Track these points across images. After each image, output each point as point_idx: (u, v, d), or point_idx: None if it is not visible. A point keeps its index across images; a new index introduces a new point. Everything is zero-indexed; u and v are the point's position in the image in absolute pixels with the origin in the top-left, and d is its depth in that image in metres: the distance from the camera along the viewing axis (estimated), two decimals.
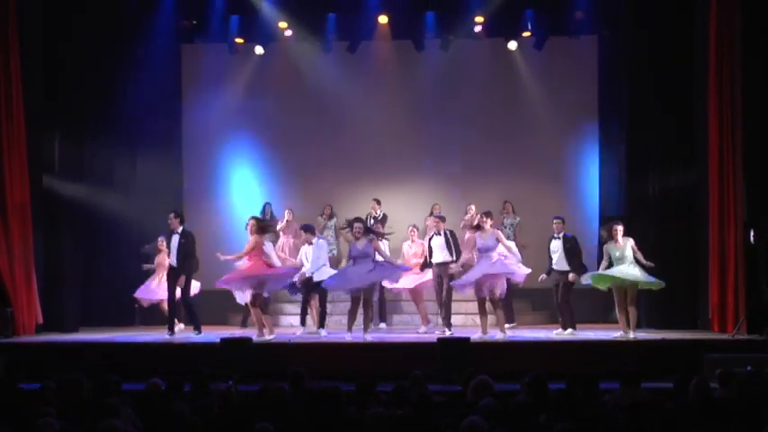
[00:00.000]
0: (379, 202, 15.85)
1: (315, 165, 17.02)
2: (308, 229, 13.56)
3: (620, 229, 12.46)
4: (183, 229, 13.16)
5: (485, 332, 12.54)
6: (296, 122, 17.13)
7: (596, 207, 16.53)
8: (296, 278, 13.28)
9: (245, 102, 17.06)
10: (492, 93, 16.95)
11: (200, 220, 16.17)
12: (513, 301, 14.24)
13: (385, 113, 16.91)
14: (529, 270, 12.78)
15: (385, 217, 15.70)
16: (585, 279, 12.75)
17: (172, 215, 13.21)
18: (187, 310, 13.45)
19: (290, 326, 14.56)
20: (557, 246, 13.13)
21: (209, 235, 15.80)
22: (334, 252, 15.99)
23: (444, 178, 16.87)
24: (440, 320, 13.82)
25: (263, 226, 12.81)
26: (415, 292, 14.24)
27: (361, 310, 12.50)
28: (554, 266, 13.12)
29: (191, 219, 15.19)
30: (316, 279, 13.20)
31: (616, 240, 12.39)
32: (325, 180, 16.90)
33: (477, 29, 16.15)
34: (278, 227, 15.26)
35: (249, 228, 12.66)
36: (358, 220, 12.66)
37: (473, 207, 15.35)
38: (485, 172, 16.77)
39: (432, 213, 15.35)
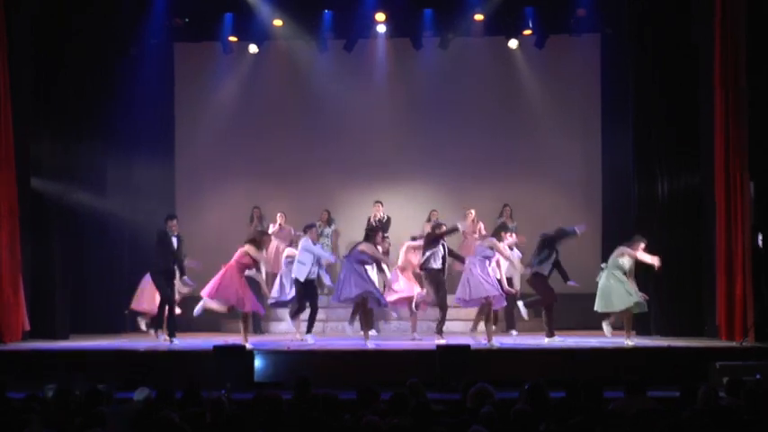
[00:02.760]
0: (381, 204, 15.64)
1: (310, 167, 16.75)
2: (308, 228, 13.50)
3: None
4: (178, 234, 13.28)
5: (489, 338, 12.43)
6: (291, 123, 16.94)
7: (599, 210, 16.40)
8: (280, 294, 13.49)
9: (239, 102, 16.82)
10: (492, 92, 16.74)
11: (193, 222, 15.97)
12: (513, 307, 13.96)
13: (382, 113, 16.72)
14: (499, 293, 12.46)
15: (389, 220, 15.55)
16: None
17: (173, 221, 13.26)
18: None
19: (285, 333, 14.41)
20: None
21: (202, 237, 15.69)
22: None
23: (444, 180, 16.70)
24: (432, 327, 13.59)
25: (264, 245, 12.95)
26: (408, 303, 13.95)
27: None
28: None
29: (183, 221, 14.92)
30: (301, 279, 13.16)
31: None
32: (322, 182, 16.68)
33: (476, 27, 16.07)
34: (270, 230, 15.07)
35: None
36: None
37: (473, 212, 15.34)
38: (485, 173, 16.61)
39: (429, 219, 15.28)
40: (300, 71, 16.77)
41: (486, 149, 16.72)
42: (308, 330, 13.10)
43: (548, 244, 12.85)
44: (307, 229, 13.32)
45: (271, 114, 16.96)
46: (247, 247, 12.46)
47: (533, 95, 16.51)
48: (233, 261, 12.54)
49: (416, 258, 13.43)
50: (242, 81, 16.83)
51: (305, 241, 13.12)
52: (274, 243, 14.97)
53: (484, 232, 14.96)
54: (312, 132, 16.90)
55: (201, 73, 16.81)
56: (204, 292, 12.50)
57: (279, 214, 15.50)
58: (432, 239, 12.94)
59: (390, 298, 13.37)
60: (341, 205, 16.60)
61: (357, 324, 12.86)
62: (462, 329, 13.97)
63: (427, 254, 12.87)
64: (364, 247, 12.53)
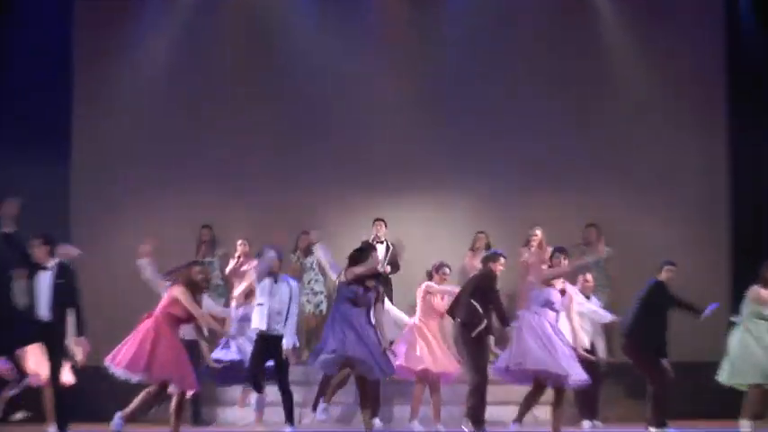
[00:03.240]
0: (384, 223, 14.87)
1: (282, 169, 15.78)
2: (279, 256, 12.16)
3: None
4: (59, 263, 11.60)
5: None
6: (253, 105, 15.86)
7: (725, 232, 15.50)
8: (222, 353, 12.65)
9: (173, 72, 15.79)
10: (560, 60, 15.63)
11: (97, 248, 14.85)
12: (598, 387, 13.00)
13: (389, 91, 15.74)
14: (579, 374, 11.22)
15: (394, 248, 14.89)
16: None
17: (37, 242, 11.80)
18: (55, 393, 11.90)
19: (234, 424, 13.61)
20: None
21: (112, 271, 14.75)
22: (322, 307, 15.02)
23: (485, 189, 15.64)
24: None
25: (196, 280, 11.48)
26: (434, 378, 12.90)
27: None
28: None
29: (84, 247, 13.67)
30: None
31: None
32: (299, 194, 15.62)
33: None
34: (227, 269, 14.45)
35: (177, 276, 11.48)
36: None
37: (539, 232, 14.48)
38: (552, 180, 15.62)
39: (474, 247, 14.67)
40: (265, 29, 15.94)
41: (551, 144, 15.61)
42: (288, 420, 11.81)
43: (660, 304, 12.07)
44: (258, 256, 12.33)
45: (222, 93, 15.88)
46: (177, 291, 11.17)
47: (624, 64, 15.62)
48: (158, 314, 11.28)
49: (440, 302, 12.76)
50: (175, 43, 15.89)
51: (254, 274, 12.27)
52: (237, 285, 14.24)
53: None
54: (283, 118, 15.86)
55: (114, 28, 15.75)
56: (123, 365, 11.07)
57: (240, 242, 14.39)
58: (487, 290, 11.93)
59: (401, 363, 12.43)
60: (327, 227, 14.87)
61: (329, 410, 12.11)
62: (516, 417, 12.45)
63: (474, 304, 11.82)
64: (344, 276, 11.38)
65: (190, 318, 11.25)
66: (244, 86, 15.88)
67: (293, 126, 15.85)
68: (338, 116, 15.83)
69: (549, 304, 11.22)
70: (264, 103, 15.89)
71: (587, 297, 12.86)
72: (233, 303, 13.17)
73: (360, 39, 15.85)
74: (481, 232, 14.60)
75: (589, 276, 13.04)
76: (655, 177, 15.54)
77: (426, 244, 15.13)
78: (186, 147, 15.81)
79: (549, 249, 13.65)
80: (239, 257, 14.28)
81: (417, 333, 12.57)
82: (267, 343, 11.66)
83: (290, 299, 11.92)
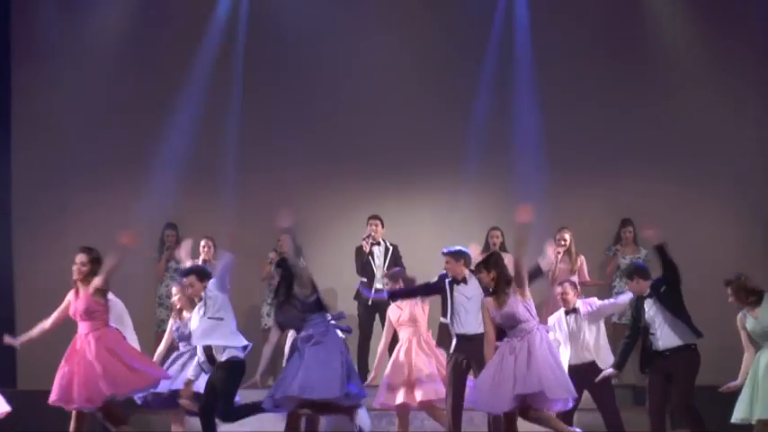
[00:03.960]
0: (381, 222, 13.91)
1: (262, 158, 14.96)
2: (194, 274, 10.78)
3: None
4: None
5: None
6: (228, 83, 15.07)
7: None
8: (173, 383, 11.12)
9: (133, 44, 14.86)
10: (595, 31, 14.71)
11: (40, 250, 14.43)
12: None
13: (395, 67, 14.94)
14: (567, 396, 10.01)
15: (395, 250, 13.93)
16: None
17: None
18: None
19: None
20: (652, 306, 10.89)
21: (56, 276, 12.79)
22: None
23: (505, 181, 14.80)
24: None
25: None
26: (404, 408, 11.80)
27: None
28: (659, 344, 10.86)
29: (24, 252, 14.53)
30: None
31: None
32: (282, 185, 14.75)
33: None
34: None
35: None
36: (282, 263, 10.82)
37: (567, 236, 13.76)
38: (582, 167, 14.71)
39: (488, 245, 13.94)
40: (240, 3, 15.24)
41: (583, 128, 14.71)
42: None
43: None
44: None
45: (191, 65, 15.05)
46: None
47: (671, 31, 14.77)
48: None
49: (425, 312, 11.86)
50: (129, 25, 15.01)
51: (212, 283, 10.95)
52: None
53: (588, 277, 13.54)
54: (265, 98, 15.07)
55: (56, 14, 15.11)
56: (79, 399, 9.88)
57: (203, 242, 13.53)
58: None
59: (393, 398, 11.39)
60: (316, 226, 14.53)
61: None
62: None
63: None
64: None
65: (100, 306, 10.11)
66: (217, 59, 15.02)
67: (275, 109, 14.96)
68: (331, 99, 14.95)
69: (515, 322, 10.01)
70: (239, 82, 15.07)
71: (572, 310, 11.35)
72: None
73: (360, 7, 14.98)
74: (495, 228, 13.59)
75: (568, 287, 11.63)
76: (706, 171, 14.61)
77: (436, 246, 13.35)
78: (146, 134, 14.86)
79: (582, 259, 13.67)
80: (204, 260, 13.36)
81: (403, 352, 11.67)
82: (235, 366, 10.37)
83: None
